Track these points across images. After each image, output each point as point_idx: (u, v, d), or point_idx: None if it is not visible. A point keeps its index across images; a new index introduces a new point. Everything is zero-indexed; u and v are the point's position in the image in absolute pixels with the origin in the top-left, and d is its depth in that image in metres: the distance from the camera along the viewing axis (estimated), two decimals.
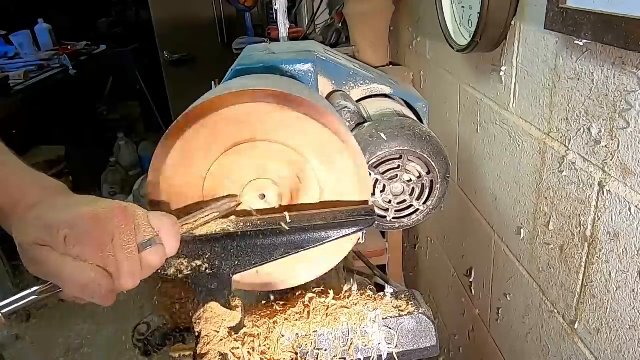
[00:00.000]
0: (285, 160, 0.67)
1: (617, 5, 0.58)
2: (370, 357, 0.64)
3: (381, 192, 0.82)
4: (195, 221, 0.61)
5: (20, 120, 3.18)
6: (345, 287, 0.70)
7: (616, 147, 0.66)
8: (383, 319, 0.65)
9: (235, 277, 0.64)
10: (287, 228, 0.62)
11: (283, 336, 0.63)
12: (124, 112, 4.88)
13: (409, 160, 0.81)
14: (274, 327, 0.64)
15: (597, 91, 0.69)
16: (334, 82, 0.98)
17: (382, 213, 0.84)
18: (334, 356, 0.64)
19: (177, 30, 3.69)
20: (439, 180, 0.82)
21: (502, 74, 0.98)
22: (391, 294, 0.69)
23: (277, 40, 1.47)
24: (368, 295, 0.69)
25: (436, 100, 1.45)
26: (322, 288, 0.71)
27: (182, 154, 0.65)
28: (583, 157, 0.75)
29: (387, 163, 0.81)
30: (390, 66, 1.79)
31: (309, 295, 0.69)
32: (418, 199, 0.83)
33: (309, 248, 0.63)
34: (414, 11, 1.63)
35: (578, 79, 0.73)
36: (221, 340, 0.60)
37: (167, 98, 3.97)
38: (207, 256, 0.62)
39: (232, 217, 0.65)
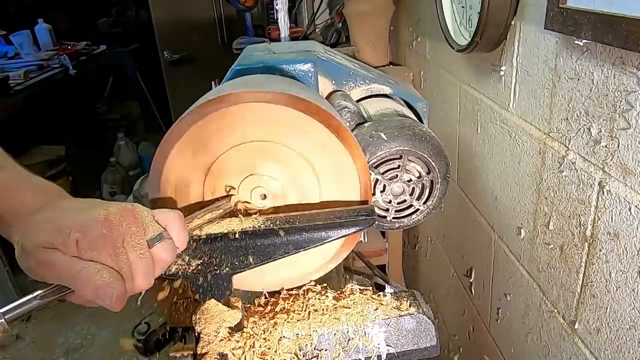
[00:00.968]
0: (285, 160, 0.67)
1: (617, 5, 0.58)
2: (370, 357, 0.64)
3: (381, 192, 0.82)
4: (192, 222, 0.61)
5: (20, 120, 3.18)
6: (346, 287, 0.70)
7: (616, 147, 0.66)
8: (383, 319, 0.65)
9: (238, 277, 0.64)
10: (283, 235, 0.62)
11: (284, 337, 0.63)
12: (124, 112, 4.89)
13: (409, 160, 0.81)
14: (274, 328, 0.64)
15: (597, 91, 0.69)
16: (334, 82, 0.98)
17: (382, 213, 0.84)
18: (334, 356, 0.64)
19: (177, 30, 3.69)
20: (439, 180, 0.82)
21: (502, 73, 0.98)
22: (391, 294, 0.69)
23: (277, 40, 1.47)
24: (368, 295, 0.69)
25: (436, 100, 1.45)
26: (322, 288, 0.71)
27: (182, 154, 0.65)
28: (583, 157, 0.75)
29: (387, 163, 0.81)
30: (390, 66, 1.79)
31: (309, 295, 0.69)
32: (418, 199, 0.83)
33: (309, 248, 0.64)
34: (414, 11, 1.63)
35: (578, 79, 0.73)
36: (221, 340, 0.60)
37: (167, 98, 3.97)
38: (207, 256, 0.62)
39: (232, 218, 0.65)
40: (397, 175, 0.81)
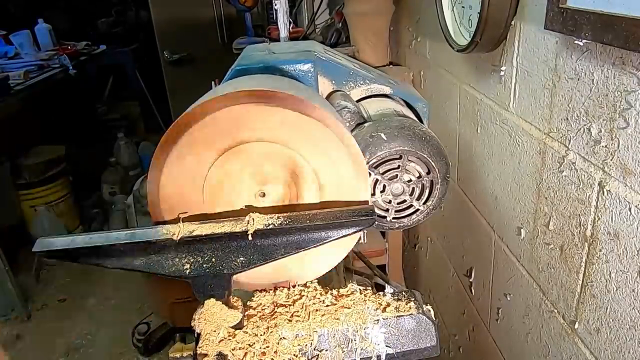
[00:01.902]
0: (283, 159, 0.67)
1: (617, 5, 0.58)
2: (370, 357, 0.64)
3: (381, 192, 0.82)
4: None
5: (20, 120, 3.18)
6: (346, 287, 0.70)
7: (616, 147, 0.66)
8: (383, 319, 0.65)
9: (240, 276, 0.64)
10: (283, 235, 0.62)
11: (284, 338, 0.63)
12: (124, 112, 4.89)
13: (409, 160, 0.81)
14: (275, 328, 0.64)
15: (597, 91, 0.69)
16: (334, 82, 0.98)
17: (382, 213, 0.84)
18: (334, 357, 0.63)
19: (177, 30, 3.69)
20: (439, 181, 0.82)
21: (502, 73, 0.98)
22: (391, 294, 0.69)
23: (277, 40, 1.47)
24: (368, 295, 0.69)
25: (436, 100, 1.45)
26: (322, 288, 0.71)
27: (178, 159, 0.65)
28: (583, 157, 0.75)
29: (387, 163, 0.81)
30: (390, 66, 1.79)
31: (309, 295, 0.69)
32: (418, 199, 0.83)
33: (309, 248, 0.63)
34: (414, 11, 1.63)
35: (578, 79, 0.73)
36: (221, 340, 0.60)
37: (167, 98, 3.97)
38: (207, 256, 0.62)
39: (232, 218, 0.65)
40: (397, 175, 0.81)
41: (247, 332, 0.62)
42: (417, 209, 0.84)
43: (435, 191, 0.83)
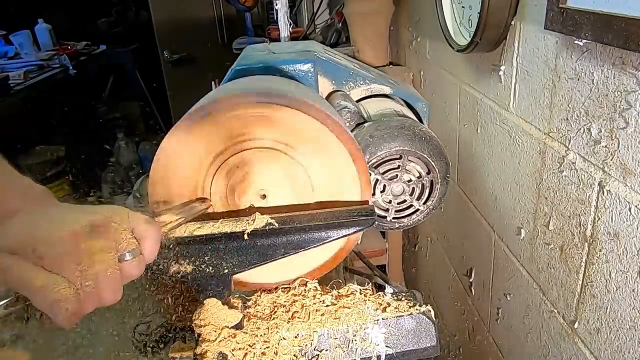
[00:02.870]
0: (282, 159, 0.67)
1: (617, 5, 0.58)
2: (370, 357, 0.64)
3: (381, 192, 0.82)
4: (166, 224, 0.59)
5: (20, 120, 3.18)
6: (346, 287, 0.70)
7: (616, 147, 0.66)
8: (383, 319, 0.65)
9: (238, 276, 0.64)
10: (283, 235, 0.62)
11: (284, 339, 0.63)
12: (124, 112, 4.88)
13: (409, 160, 0.81)
14: (275, 328, 0.64)
15: (597, 91, 0.69)
16: (334, 82, 0.98)
17: (382, 213, 0.84)
18: (334, 357, 0.63)
19: (177, 30, 3.69)
20: (439, 181, 0.82)
21: (502, 73, 0.98)
22: (391, 294, 0.69)
23: (277, 40, 1.47)
24: (368, 296, 0.69)
25: (436, 100, 1.45)
26: (322, 288, 0.71)
27: (178, 158, 0.65)
28: (583, 157, 0.75)
29: (387, 163, 0.81)
30: (390, 66, 1.79)
31: (309, 295, 0.69)
32: (418, 199, 0.83)
33: (309, 248, 0.64)
34: (414, 11, 1.63)
35: (578, 79, 0.73)
36: (221, 340, 0.60)
37: (167, 98, 3.97)
38: (207, 256, 0.62)
39: (232, 218, 0.65)
40: (397, 175, 0.81)
41: (247, 332, 0.62)
42: (417, 209, 0.84)
43: (435, 191, 0.83)
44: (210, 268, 0.62)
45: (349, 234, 0.64)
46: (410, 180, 0.82)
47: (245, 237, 0.62)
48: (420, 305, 0.67)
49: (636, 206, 0.64)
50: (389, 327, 0.65)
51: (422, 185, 0.82)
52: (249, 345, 0.61)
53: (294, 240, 0.63)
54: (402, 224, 0.85)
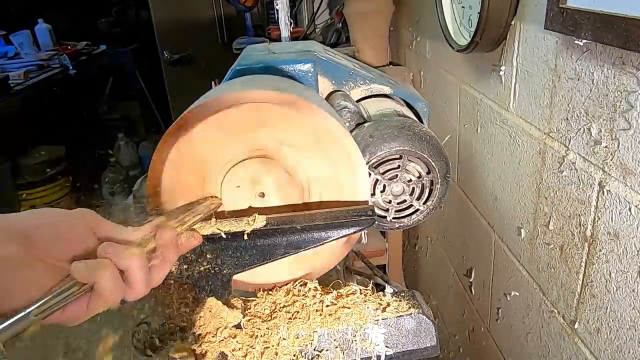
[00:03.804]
0: (282, 159, 0.67)
1: (617, 5, 0.58)
2: (370, 357, 0.64)
3: (381, 192, 0.82)
4: (180, 225, 0.60)
5: (20, 120, 3.18)
6: (346, 287, 0.70)
7: (616, 147, 0.66)
8: (383, 319, 0.65)
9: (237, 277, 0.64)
10: (283, 235, 0.62)
11: (284, 339, 0.63)
12: (124, 112, 4.88)
13: (409, 160, 0.81)
14: (275, 328, 0.64)
15: (597, 91, 0.69)
16: (334, 82, 0.98)
17: (382, 213, 0.84)
18: (334, 357, 0.63)
19: (177, 30, 3.69)
20: (439, 180, 0.82)
21: (502, 73, 0.98)
22: (391, 294, 0.69)
23: (277, 40, 1.47)
24: (368, 296, 0.69)
25: (436, 100, 1.45)
26: (322, 288, 0.71)
27: (178, 159, 0.65)
28: (583, 157, 0.75)
29: (387, 163, 0.81)
30: (390, 66, 1.79)
31: (309, 295, 0.69)
32: (418, 199, 0.83)
33: (309, 248, 0.64)
34: (414, 11, 1.63)
35: (578, 79, 0.73)
36: (221, 340, 0.60)
37: (167, 98, 3.97)
38: (207, 256, 0.62)
39: (232, 218, 0.65)
40: (397, 175, 0.81)
41: (247, 333, 0.62)
42: (417, 209, 0.84)
43: (435, 191, 0.83)
44: (210, 268, 0.62)
45: (349, 234, 0.64)
46: (410, 180, 0.82)
47: (245, 237, 0.62)
48: (420, 305, 0.67)
49: (636, 206, 0.64)
50: (389, 327, 0.65)
51: (422, 185, 0.82)
52: (249, 345, 0.61)
53: (294, 240, 0.63)
54: (402, 224, 0.85)
